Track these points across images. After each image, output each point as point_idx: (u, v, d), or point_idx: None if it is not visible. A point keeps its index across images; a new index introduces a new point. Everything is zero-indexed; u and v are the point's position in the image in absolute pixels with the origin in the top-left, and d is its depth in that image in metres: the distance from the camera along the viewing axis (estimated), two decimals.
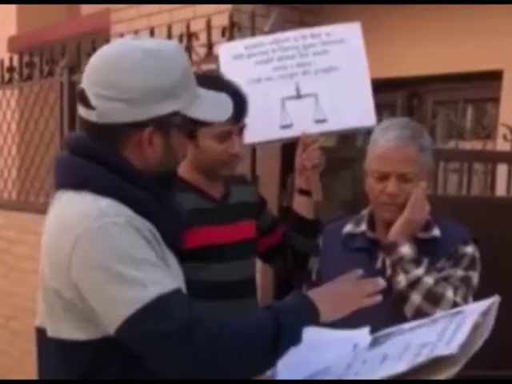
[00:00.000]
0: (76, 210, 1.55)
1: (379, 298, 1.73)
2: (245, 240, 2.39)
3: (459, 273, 2.11)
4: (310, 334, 1.62)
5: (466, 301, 2.05)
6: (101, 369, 1.58)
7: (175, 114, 1.62)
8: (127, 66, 1.57)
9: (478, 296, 2.06)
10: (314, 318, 1.63)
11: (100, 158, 1.60)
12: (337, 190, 3.20)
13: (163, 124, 1.61)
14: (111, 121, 1.58)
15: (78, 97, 1.63)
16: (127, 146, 1.61)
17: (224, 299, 2.26)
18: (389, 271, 2.13)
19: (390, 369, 1.54)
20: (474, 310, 1.59)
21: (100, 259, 1.49)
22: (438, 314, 1.93)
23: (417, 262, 2.08)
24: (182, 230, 1.80)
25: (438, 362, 1.49)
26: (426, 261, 2.09)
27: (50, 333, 1.62)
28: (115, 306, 1.49)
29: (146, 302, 1.47)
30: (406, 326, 1.76)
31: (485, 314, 1.55)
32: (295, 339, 1.59)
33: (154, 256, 1.55)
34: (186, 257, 1.85)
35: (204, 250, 2.25)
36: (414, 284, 2.06)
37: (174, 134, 1.64)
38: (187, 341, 1.48)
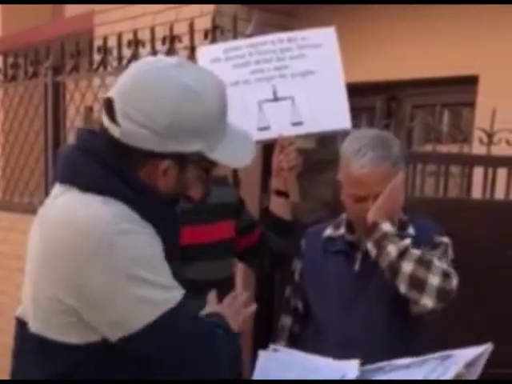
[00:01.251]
0: (88, 212, 1.51)
1: (253, 307, 1.82)
2: (223, 240, 2.43)
3: (437, 254, 2.15)
4: (300, 359, 1.63)
5: (451, 267, 2.09)
6: (80, 370, 1.57)
7: (198, 154, 1.60)
8: (163, 100, 1.53)
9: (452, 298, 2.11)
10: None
11: (115, 168, 1.56)
12: (315, 191, 3.23)
13: (182, 160, 1.60)
14: (133, 143, 1.55)
15: (104, 104, 1.58)
16: (142, 169, 1.59)
17: (202, 298, 2.29)
18: (374, 252, 2.13)
19: None
20: (462, 357, 1.56)
21: (121, 265, 1.47)
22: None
23: (401, 237, 2.11)
24: (178, 242, 1.81)
25: None
26: (408, 238, 2.13)
27: (34, 328, 1.60)
28: (136, 311, 1.48)
29: (173, 304, 1.51)
30: (397, 362, 1.74)
31: (470, 364, 1.54)
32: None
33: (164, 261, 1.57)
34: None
35: (182, 249, 2.24)
36: (403, 253, 2.06)
37: (189, 169, 1.64)
38: (212, 342, 1.56)
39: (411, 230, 2.24)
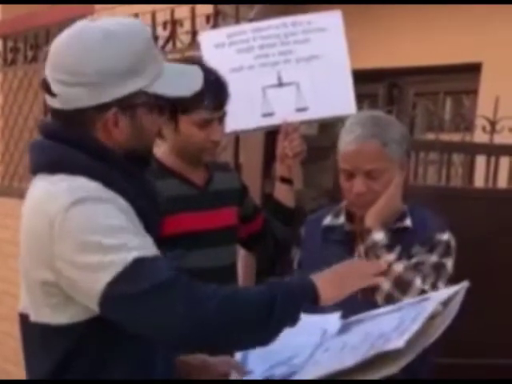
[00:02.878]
0: (49, 192, 1.54)
1: (381, 279, 1.73)
2: (226, 227, 2.41)
3: (433, 259, 2.13)
4: None
5: (434, 288, 2.06)
6: (81, 352, 1.58)
7: (138, 93, 1.59)
8: (82, 50, 1.55)
9: (452, 283, 2.10)
10: (313, 299, 1.59)
11: (70, 140, 1.58)
12: (318, 178, 3.23)
13: (127, 104, 1.58)
14: (74, 106, 1.56)
15: (42, 86, 1.60)
16: (95, 128, 1.59)
17: None
18: (363, 258, 2.13)
19: (339, 363, 1.51)
20: (438, 296, 1.57)
21: (76, 233, 1.48)
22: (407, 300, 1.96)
23: (389, 249, 2.10)
24: (157, 212, 1.77)
25: (385, 355, 1.46)
26: (398, 248, 2.11)
27: (33, 317, 1.61)
28: (95, 274, 1.47)
29: (124, 266, 1.46)
30: (375, 312, 1.75)
31: (446, 302, 1.53)
32: (291, 315, 1.56)
33: (130, 224, 1.54)
34: (167, 243, 1.86)
35: (185, 236, 2.26)
36: (384, 270, 2.09)
37: (140, 113, 1.61)
38: (167, 296, 1.47)
39: (408, 222, 2.21)
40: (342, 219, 2.29)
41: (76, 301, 1.54)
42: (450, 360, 2.77)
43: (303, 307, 1.58)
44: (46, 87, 1.58)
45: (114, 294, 1.46)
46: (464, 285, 1.57)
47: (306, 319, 1.63)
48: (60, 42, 1.60)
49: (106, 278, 1.46)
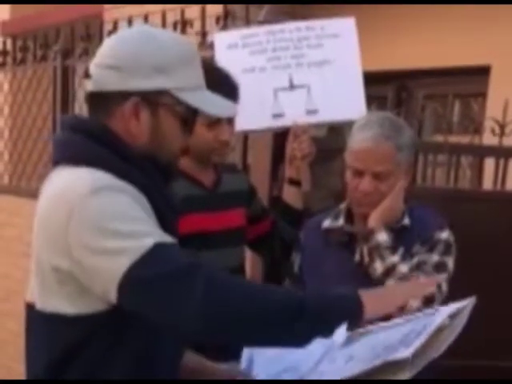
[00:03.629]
0: (70, 182, 1.55)
1: (432, 288, 1.71)
2: (234, 228, 2.41)
3: (434, 258, 2.14)
4: None
5: (438, 289, 2.06)
6: (86, 345, 1.57)
7: (164, 93, 1.62)
8: (123, 38, 1.65)
9: (461, 285, 2.11)
10: (356, 312, 1.53)
11: (92, 133, 1.61)
12: (326, 179, 3.23)
13: (150, 99, 1.61)
14: (101, 88, 1.62)
15: (85, 75, 1.70)
16: (115, 116, 1.62)
17: None
18: (366, 259, 2.15)
19: (348, 371, 1.49)
20: (446, 311, 1.55)
21: (94, 220, 1.49)
22: (414, 305, 1.95)
23: (393, 250, 2.11)
24: (176, 221, 1.78)
25: (392, 365, 1.44)
26: (401, 249, 2.12)
27: (39, 305, 1.61)
28: (116, 259, 1.47)
29: (144, 250, 1.46)
30: (382, 324, 1.71)
31: (454, 315, 1.52)
32: (324, 324, 1.51)
33: (148, 216, 1.56)
34: None
35: (194, 237, 2.26)
36: (389, 271, 2.08)
37: (163, 114, 1.63)
38: (187, 280, 1.46)
39: (406, 221, 2.21)
40: (341, 221, 2.29)
41: (88, 291, 1.54)
42: (452, 361, 2.78)
43: (345, 318, 1.53)
44: (88, 74, 1.67)
45: (135, 277, 1.46)
46: (472, 300, 1.56)
47: None
48: (110, 38, 1.70)
49: (127, 261, 1.46)
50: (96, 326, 1.57)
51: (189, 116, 1.68)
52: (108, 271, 1.49)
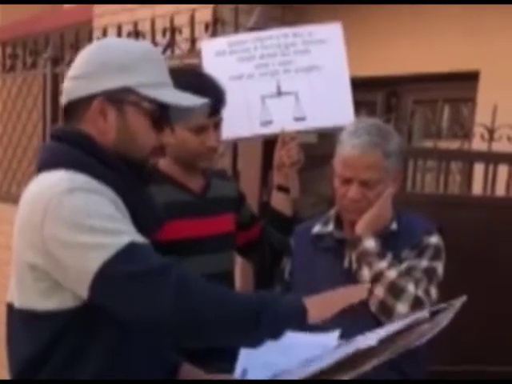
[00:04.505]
0: (46, 182, 1.59)
1: (365, 293, 1.77)
2: (223, 233, 2.41)
3: (423, 263, 2.15)
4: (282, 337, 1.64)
5: (427, 294, 2.09)
6: (63, 340, 1.60)
7: (127, 90, 1.66)
8: (88, 50, 1.71)
9: (450, 290, 2.11)
10: (301, 318, 1.63)
11: (67, 138, 1.67)
12: (315, 186, 3.23)
13: (114, 97, 1.65)
14: (69, 98, 1.68)
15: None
16: (85, 120, 1.67)
17: None
18: (355, 266, 2.16)
19: (320, 364, 1.54)
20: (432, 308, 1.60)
21: (70, 217, 1.51)
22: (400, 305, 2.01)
23: (380, 256, 2.12)
24: (155, 223, 1.82)
25: (361, 355, 1.51)
26: (389, 255, 2.13)
27: (17, 304, 1.64)
28: (89, 255, 1.50)
29: (120, 247, 1.50)
30: (376, 330, 1.75)
31: (436, 312, 1.56)
32: (275, 328, 1.60)
33: (123, 216, 1.60)
34: (164, 249, 1.86)
35: (182, 242, 2.27)
36: (377, 277, 2.09)
37: (129, 112, 1.67)
38: (158, 280, 1.51)
39: (394, 226, 2.23)
40: (330, 227, 2.30)
41: (63, 287, 1.57)
42: (442, 368, 2.78)
43: (291, 322, 1.63)
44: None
45: (108, 273, 1.50)
46: (461, 299, 1.58)
47: (305, 338, 1.67)
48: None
49: (101, 257, 1.50)
50: (69, 321, 1.59)
51: (157, 112, 1.70)
52: (82, 266, 1.52)
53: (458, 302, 1.57)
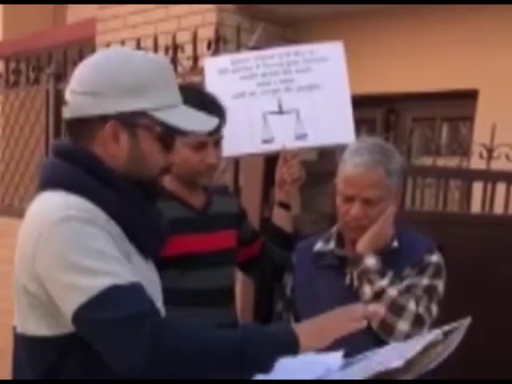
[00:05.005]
0: (43, 206, 1.58)
1: (364, 322, 1.68)
2: (224, 249, 2.43)
3: (424, 281, 2.16)
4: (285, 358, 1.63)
5: (428, 311, 2.10)
6: (63, 366, 1.59)
7: (141, 114, 1.63)
8: (96, 63, 1.65)
9: (447, 307, 2.14)
10: (292, 348, 1.59)
11: (72, 157, 1.63)
12: (316, 203, 3.25)
13: (128, 121, 1.62)
14: (78, 114, 1.62)
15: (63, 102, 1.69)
16: (93, 140, 1.64)
17: (202, 306, 2.30)
18: (356, 283, 2.17)
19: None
20: (440, 330, 1.58)
21: (58, 249, 1.51)
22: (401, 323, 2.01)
23: (381, 274, 2.13)
24: (161, 239, 1.80)
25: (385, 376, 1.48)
26: (390, 273, 2.14)
27: (19, 329, 1.65)
28: (69, 295, 1.50)
29: (98, 291, 1.48)
30: (377, 350, 1.74)
31: (448, 333, 1.56)
32: (263, 362, 1.55)
33: (114, 250, 1.56)
34: (165, 264, 1.89)
35: (184, 258, 2.29)
36: (378, 295, 2.10)
37: (142, 135, 1.65)
38: (131, 330, 1.47)
39: (395, 244, 2.24)
40: (332, 244, 2.32)
41: (58, 314, 1.56)
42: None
43: (280, 354, 1.57)
44: (64, 101, 1.67)
45: (84, 316, 1.49)
46: (467, 320, 1.59)
47: (307, 358, 1.62)
48: (81, 63, 1.69)
49: (79, 300, 1.49)
50: (66, 347, 1.59)
51: (167, 134, 1.68)
52: (63, 304, 1.52)
53: (465, 323, 1.56)
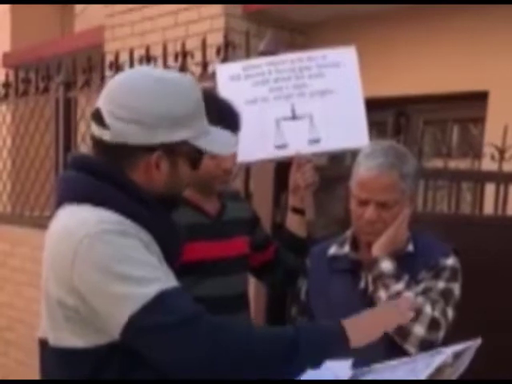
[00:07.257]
0: (76, 219, 1.59)
1: (411, 314, 1.75)
2: (238, 255, 2.43)
3: (440, 285, 2.14)
4: None
5: (444, 315, 2.08)
6: (98, 377, 1.60)
7: (183, 143, 1.67)
8: (141, 90, 1.63)
9: (459, 309, 2.13)
10: (342, 343, 1.63)
11: (107, 176, 1.64)
12: (327, 207, 3.25)
13: (172, 151, 1.66)
14: (124, 141, 1.62)
15: (92, 116, 1.67)
16: (136, 167, 1.66)
17: (217, 313, 2.28)
18: (371, 288, 2.16)
19: None
20: (451, 350, 1.57)
21: (100, 262, 1.52)
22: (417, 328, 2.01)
23: (397, 278, 2.11)
24: (180, 249, 1.84)
25: None
26: (406, 276, 2.12)
27: (52, 342, 1.65)
28: (119, 306, 1.51)
29: (148, 299, 1.50)
30: (387, 363, 1.73)
31: (458, 355, 1.54)
32: (316, 357, 1.58)
33: (152, 257, 1.59)
34: (180, 271, 1.89)
35: (198, 264, 2.29)
36: (394, 299, 2.08)
37: (180, 162, 1.69)
38: (189, 332, 1.51)
39: (410, 247, 2.23)
40: (346, 248, 2.31)
41: (95, 325, 1.57)
42: None
43: (333, 349, 1.61)
44: (98, 118, 1.65)
45: (139, 324, 1.51)
46: (477, 341, 1.58)
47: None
48: (118, 81, 1.68)
49: (128, 310, 1.51)
50: (103, 358, 1.60)
51: (199, 157, 1.75)
52: (111, 315, 1.53)
53: (474, 344, 1.55)
